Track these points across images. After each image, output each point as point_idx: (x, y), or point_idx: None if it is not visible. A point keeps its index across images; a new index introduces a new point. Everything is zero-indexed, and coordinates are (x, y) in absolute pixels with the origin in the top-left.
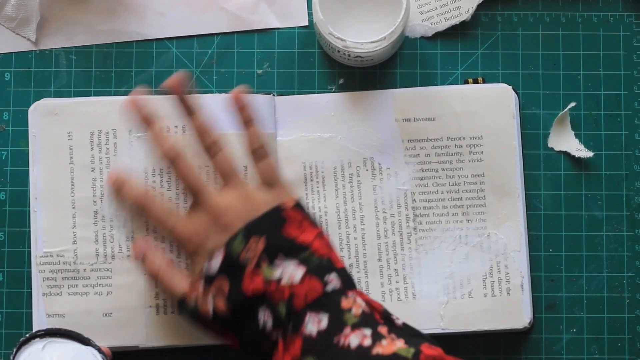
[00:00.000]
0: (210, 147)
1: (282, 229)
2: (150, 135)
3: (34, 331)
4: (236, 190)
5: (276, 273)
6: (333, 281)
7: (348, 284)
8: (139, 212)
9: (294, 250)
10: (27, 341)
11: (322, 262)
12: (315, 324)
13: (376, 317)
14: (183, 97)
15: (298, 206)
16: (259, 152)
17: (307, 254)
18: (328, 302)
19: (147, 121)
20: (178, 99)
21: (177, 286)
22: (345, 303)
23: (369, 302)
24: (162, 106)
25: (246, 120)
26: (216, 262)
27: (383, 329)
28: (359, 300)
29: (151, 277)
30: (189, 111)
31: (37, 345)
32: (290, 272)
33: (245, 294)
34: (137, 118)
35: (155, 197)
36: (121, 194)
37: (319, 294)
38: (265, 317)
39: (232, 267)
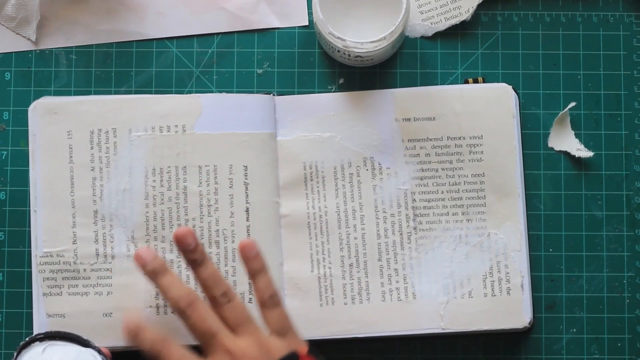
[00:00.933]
0: (222, 296)
1: None
2: (161, 286)
3: (33, 335)
4: (251, 336)
5: None
6: None
7: None
8: (154, 356)
9: None
10: (26, 345)
11: None
12: None
13: None
14: (191, 249)
15: (311, 351)
16: (271, 301)
17: None
18: None
19: (155, 273)
20: (186, 252)
21: None
22: None
23: None
24: (164, 105)
25: (258, 270)
26: None
27: None
28: None
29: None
30: (197, 263)
31: (37, 349)
32: None
33: None
34: (147, 270)
35: (172, 343)
36: (138, 340)
37: None
38: None
39: None
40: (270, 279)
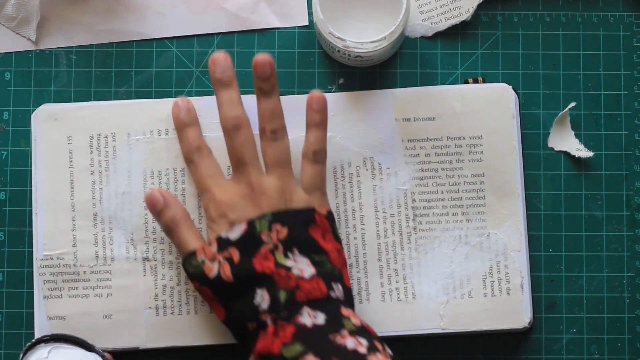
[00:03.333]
0: (275, 131)
1: (307, 228)
2: (221, 99)
3: (39, 337)
4: (279, 179)
5: (288, 263)
6: (338, 291)
7: (350, 302)
8: (187, 164)
9: (310, 250)
10: (32, 346)
11: (333, 271)
12: (310, 318)
13: (372, 335)
14: (264, 77)
15: (329, 217)
16: (314, 156)
17: (322, 258)
18: (328, 305)
19: (221, 83)
20: (258, 78)
21: (189, 241)
22: (345, 311)
23: (366, 325)
24: (161, 109)
25: (317, 123)
26: (235, 234)
27: (379, 345)
28: (358, 317)
29: (166, 228)
30: (263, 92)
31: (42, 351)
32: (301, 267)
33: (253, 269)
34: (212, 77)
35: (207, 154)
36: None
37: (322, 296)
38: (262, 297)
39: (249, 242)
40: (324, 137)
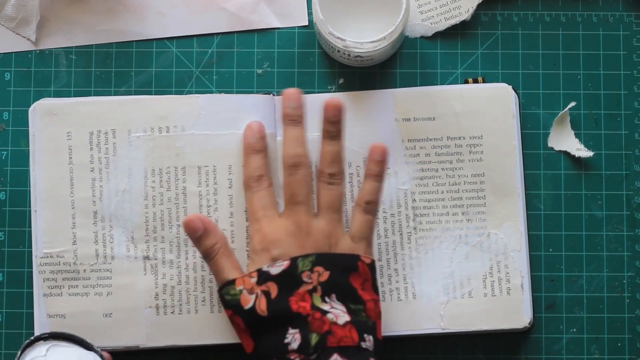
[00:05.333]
0: (330, 176)
1: (348, 275)
2: (287, 134)
3: (38, 334)
4: (330, 224)
5: (324, 307)
6: (369, 342)
7: (380, 355)
8: (245, 188)
9: (348, 298)
10: (31, 344)
11: (367, 322)
12: None
13: None
14: (334, 121)
15: (371, 267)
16: (366, 207)
17: (358, 307)
18: (358, 355)
19: (290, 119)
20: (327, 121)
21: (228, 270)
22: None
23: None
24: (163, 106)
25: (375, 174)
26: (277, 269)
27: None
28: None
29: (205, 255)
30: (330, 135)
31: (40, 349)
32: (337, 313)
33: (289, 307)
34: (283, 112)
35: (267, 186)
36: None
37: (354, 344)
38: (294, 337)
39: (289, 280)
40: (380, 189)
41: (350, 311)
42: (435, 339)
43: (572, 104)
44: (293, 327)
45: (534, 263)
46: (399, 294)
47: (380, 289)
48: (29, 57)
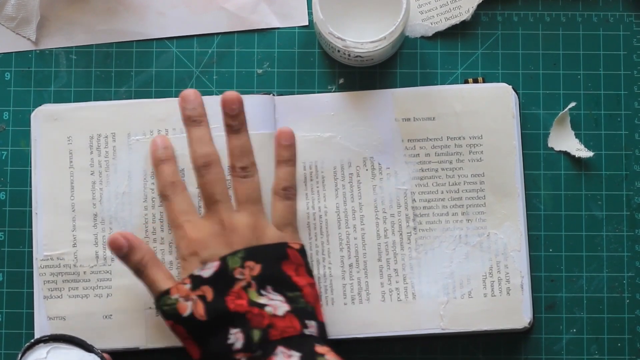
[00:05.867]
0: (242, 169)
1: (280, 264)
2: (191, 136)
3: (38, 337)
4: (251, 216)
5: (261, 300)
6: (312, 328)
7: (324, 338)
8: (161, 200)
9: (284, 287)
10: (31, 346)
11: (307, 307)
12: (285, 357)
13: None
14: (233, 114)
15: (302, 252)
16: (284, 193)
17: (295, 294)
18: (303, 343)
19: (192, 120)
20: (227, 115)
21: (161, 280)
22: (319, 349)
23: None
24: (161, 109)
25: (286, 159)
26: (208, 272)
27: None
28: (333, 353)
29: (135, 270)
30: (233, 129)
31: (41, 351)
32: (275, 304)
33: (227, 308)
34: (183, 114)
35: (181, 191)
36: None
37: (296, 333)
38: (236, 337)
39: (222, 280)
40: (294, 173)
41: (288, 300)
42: (435, 339)
43: (572, 104)
44: (234, 327)
45: (534, 263)
46: (399, 294)
47: (380, 289)
48: (29, 57)
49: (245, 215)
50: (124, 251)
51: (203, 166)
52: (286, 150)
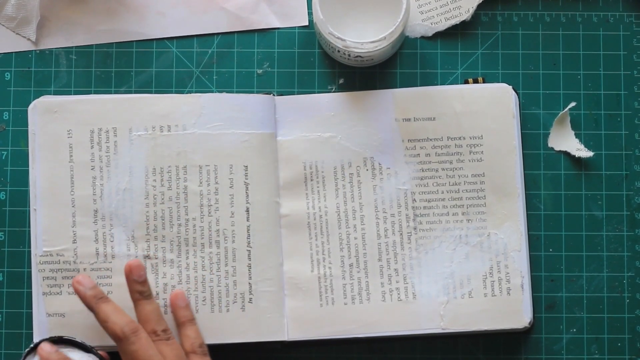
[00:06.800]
0: (163, 332)
1: None
2: (102, 315)
3: (38, 340)
4: None
5: None
6: None
7: None
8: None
9: None
10: (31, 351)
11: None
12: None
13: None
14: (141, 281)
15: None
16: (201, 349)
17: None
18: None
19: (100, 297)
20: (135, 283)
21: None
22: None
23: None
24: (164, 105)
25: (188, 319)
26: None
27: None
28: None
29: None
30: (144, 295)
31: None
32: None
33: None
34: (88, 295)
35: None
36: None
37: None
38: None
39: None
40: (199, 330)
41: None
42: (435, 339)
43: (572, 104)
44: None
45: (534, 263)
46: (399, 294)
47: (380, 289)
48: (29, 57)
49: None
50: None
51: (132, 334)
52: (185, 310)
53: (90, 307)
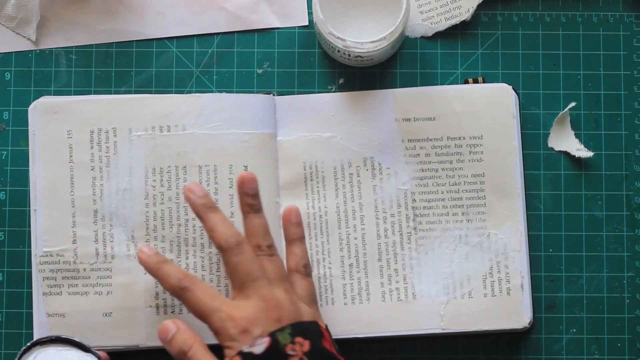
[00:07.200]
0: (268, 247)
1: (321, 341)
2: (209, 223)
3: (35, 339)
4: (287, 292)
5: None
6: None
7: None
8: (178, 295)
9: None
10: (27, 349)
11: None
12: None
13: None
14: (252, 194)
15: (328, 330)
16: (304, 270)
17: None
18: None
19: (207, 207)
20: (245, 196)
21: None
22: None
23: None
24: (164, 105)
25: (298, 237)
26: (260, 348)
27: None
28: None
29: (179, 355)
30: (253, 209)
31: (35, 354)
32: None
33: None
34: (195, 203)
35: (199, 280)
36: (159, 272)
37: None
38: None
39: (276, 356)
40: (307, 250)
41: None
42: (435, 339)
43: (572, 104)
44: None
45: (534, 263)
46: (399, 294)
47: (380, 289)
48: (29, 57)
49: (283, 291)
50: (170, 335)
51: (236, 246)
52: (297, 227)
53: (199, 215)
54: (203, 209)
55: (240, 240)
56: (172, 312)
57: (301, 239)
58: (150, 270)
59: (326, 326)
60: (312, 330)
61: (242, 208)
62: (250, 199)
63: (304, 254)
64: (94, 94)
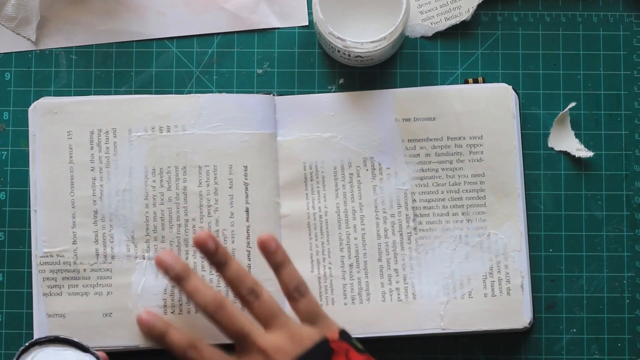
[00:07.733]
0: (250, 294)
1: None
2: (187, 291)
3: (34, 339)
4: (282, 330)
5: None
6: None
7: None
8: (181, 357)
9: None
10: (26, 350)
11: None
12: None
13: None
14: (212, 251)
15: (342, 335)
16: (297, 292)
17: None
18: None
19: (180, 278)
20: (208, 255)
21: None
22: None
23: None
24: (163, 105)
25: (280, 262)
26: None
27: None
28: None
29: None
30: (220, 264)
31: (37, 352)
32: None
33: None
34: (173, 274)
35: (204, 344)
36: (164, 341)
37: None
38: None
39: None
40: (294, 269)
41: None
42: (435, 339)
43: (572, 104)
44: None
45: (534, 263)
46: (399, 294)
47: (380, 289)
48: (29, 57)
49: (278, 331)
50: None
51: (218, 308)
52: (276, 254)
53: (176, 285)
54: (177, 280)
55: (219, 303)
56: (172, 312)
57: (283, 263)
58: (155, 340)
59: (341, 331)
60: (317, 356)
61: (210, 264)
62: (212, 257)
63: (291, 276)
64: (94, 94)
